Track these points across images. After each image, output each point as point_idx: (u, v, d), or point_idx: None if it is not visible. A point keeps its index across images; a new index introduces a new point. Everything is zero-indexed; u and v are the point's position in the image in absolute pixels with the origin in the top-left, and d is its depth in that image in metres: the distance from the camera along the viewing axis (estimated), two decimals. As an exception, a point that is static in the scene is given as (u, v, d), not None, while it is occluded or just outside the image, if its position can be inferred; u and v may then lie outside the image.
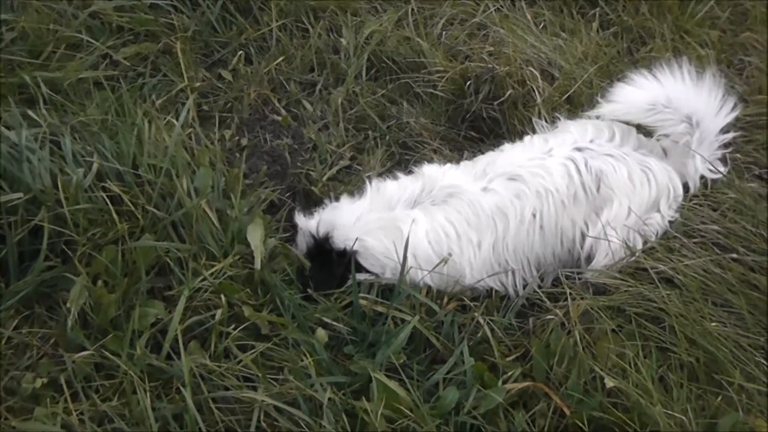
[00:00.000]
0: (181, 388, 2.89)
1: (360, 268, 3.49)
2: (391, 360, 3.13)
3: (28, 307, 3.20)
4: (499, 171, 3.65)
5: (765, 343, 3.19)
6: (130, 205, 3.42)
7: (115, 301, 3.12)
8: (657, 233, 3.66)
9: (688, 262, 3.39)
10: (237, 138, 4.36)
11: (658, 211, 3.68)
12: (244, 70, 4.70)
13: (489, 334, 3.26)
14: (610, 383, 3.01)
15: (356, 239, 3.47)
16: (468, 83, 4.43)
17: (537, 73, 4.40)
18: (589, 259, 3.64)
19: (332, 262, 3.52)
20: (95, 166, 3.50)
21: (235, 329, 3.16)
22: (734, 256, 3.44)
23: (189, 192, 3.50)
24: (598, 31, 4.96)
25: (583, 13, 5.10)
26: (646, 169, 3.66)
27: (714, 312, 3.27)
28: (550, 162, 3.63)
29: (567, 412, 2.99)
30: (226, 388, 2.98)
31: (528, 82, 4.37)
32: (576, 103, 4.35)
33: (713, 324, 3.20)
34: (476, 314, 3.35)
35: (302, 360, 3.09)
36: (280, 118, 4.47)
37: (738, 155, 3.97)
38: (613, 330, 3.22)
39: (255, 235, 3.41)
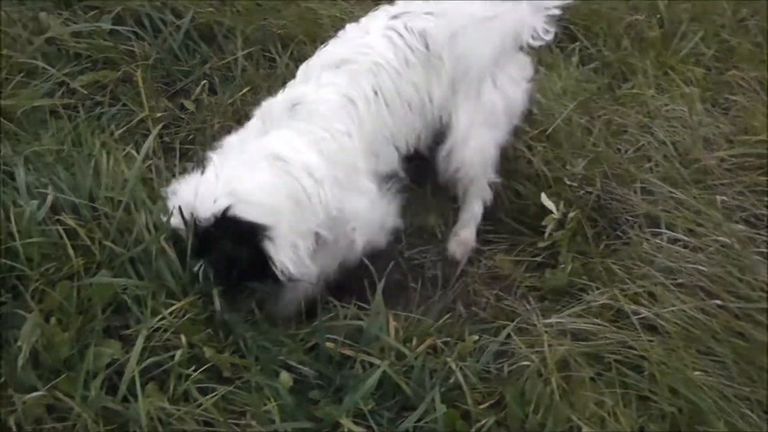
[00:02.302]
0: (139, 432, 2.90)
1: (245, 229, 3.24)
2: (358, 406, 3.13)
3: (-25, 344, 3.20)
4: (324, 63, 3.67)
5: (750, 394, 3.21)
6: (86, 239, 3.43)
7: (69, 340, 3.12)
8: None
9: (671, 308, 3.43)
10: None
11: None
12: (208, 100, 4.76)
13: (462, 380, 3.27)
14: (588, 433, 3.05)
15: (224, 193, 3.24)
16: (441, 119, 4.48)
17: (515, 109, 4.42)
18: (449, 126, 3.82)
19: (210, 238, 3.26)
20: (50, 198, 3.51)
21: (195, 371, 3.16)
22: (719, 302, 3.46)
23: (148, 227, 3.52)
24: (578, 66, 5.03)
25: (562, 48, 5.18)
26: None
27: (697, 360, 3.28)
28: (369, 39, 3.70)
29: (542, 463, 3.02)
30: (185, 432, 2.99)
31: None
32: (555, 139, 4.40)
33: (696, 373, 3.22)
34: (448, 359, 3.36)
35: (266, 404, 3.09)
36: (245, 152, 4.51)
37: (725, 197, 4.02)
38: (591, 378, 3.25)
39: (215, 273, 3.42)
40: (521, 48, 3.92)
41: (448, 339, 3.56)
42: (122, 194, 3.60)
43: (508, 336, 3.52)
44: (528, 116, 4.46)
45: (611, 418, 3.11)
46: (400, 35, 3.65)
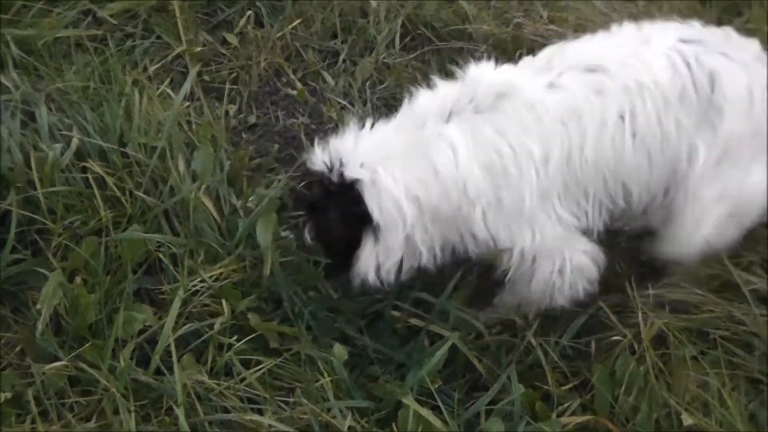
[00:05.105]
0: (174, 408, 2.86)
1: (355, 214, 3.11)
2: (424, 384, 3.09)
3: (-11, 307, 3.21)
4: (572, 62, 3.18)
5: None
6: (115, 189, 3.44)
7: (95, 303, 3.11)
8: None
9: (787, 279, 3.35)
10: (243, 115, 4.39)
11: None
12: (254, 34, 4.71)
13: (542, 357, 3.22)
14: (688, 420, 2.98)
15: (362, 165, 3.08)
16: (519, 53, 4.39)
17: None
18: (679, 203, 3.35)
19: (331, 203, 3.18)
20: (75, 142, 3.53)
21: (238, 341, 3.14)
22: None
23: (185, 176, 3.51)
24: (684, -4, 4.94)
25: (667, -24, 5.09)
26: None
27: (816, 339, 3.23)
28: (647, 52, 3.20)
29: (634, 453, 2.97)
30: (227, 410, 2.96)
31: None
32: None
33: (815, 353, 3.16)
34: (527, 333, 3.30)
35: (318, 380, 3.07)
36: (295, 93, 4.47)
37: None
38: (693, 356, 3.18)
39: (265, 234, 3.35)
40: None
41: (527, 311, 3.51)
42: (157, 139, 3.61)
43: (597, 308, 3.42)
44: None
45: (716, 402, 3.03)
46: (688, 65, 3.17)
